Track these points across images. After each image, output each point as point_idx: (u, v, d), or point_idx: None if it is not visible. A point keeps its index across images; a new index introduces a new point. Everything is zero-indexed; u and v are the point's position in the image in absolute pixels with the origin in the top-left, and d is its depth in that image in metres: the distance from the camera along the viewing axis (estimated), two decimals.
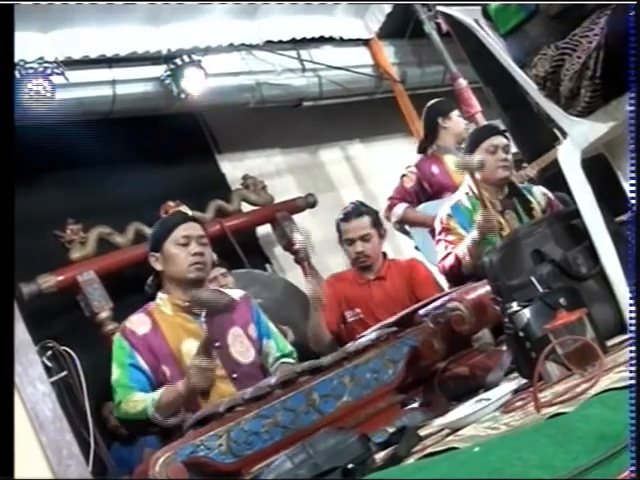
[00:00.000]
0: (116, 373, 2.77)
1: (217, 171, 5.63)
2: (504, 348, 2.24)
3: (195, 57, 4.88)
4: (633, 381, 1.25)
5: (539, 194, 3.62)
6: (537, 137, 4.13)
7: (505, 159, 3.54)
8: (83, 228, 4.70)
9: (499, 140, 3.57)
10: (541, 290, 2.08)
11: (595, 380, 1.71)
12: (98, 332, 4.33)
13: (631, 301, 1.56)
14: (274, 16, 5.35)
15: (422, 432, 2.04)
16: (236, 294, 3.03)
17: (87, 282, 4.41)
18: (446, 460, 1.55)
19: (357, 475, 1.74)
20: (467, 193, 3.59)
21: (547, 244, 2.24)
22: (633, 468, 1.19)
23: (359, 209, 3.86)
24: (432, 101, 4.66)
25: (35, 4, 4.01)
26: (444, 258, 3.51)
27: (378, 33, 6.01)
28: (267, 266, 5.52)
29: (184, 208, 3.82)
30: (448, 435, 1.89)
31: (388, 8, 5.86)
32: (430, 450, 1.75)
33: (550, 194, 3.62)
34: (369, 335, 2.43)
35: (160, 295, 2.90)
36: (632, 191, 1.37)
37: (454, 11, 2.50)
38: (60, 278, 4.39)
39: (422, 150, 4.59)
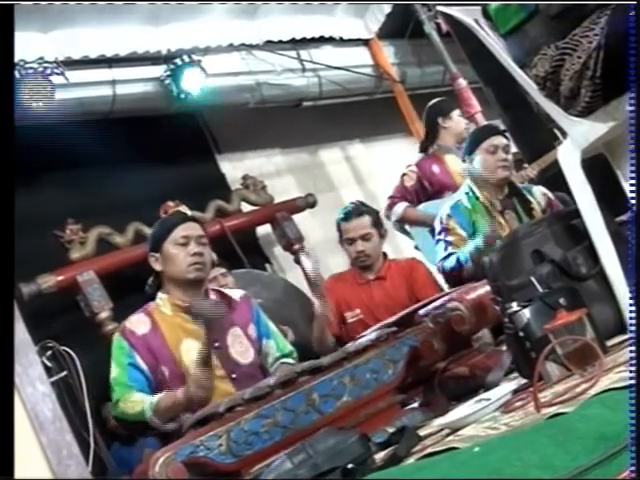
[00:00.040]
0: (115, 372, 2.77)
1: (217, 171, 5.63)
2: (504, 348, 2.24)
3: (195, 57, 4.87)
4: (633, 381, 1.25)
5: (539, 194, 3.63)
6: (537, 137, 4.13)
7: (505, 159, 3.55)
8: (83, 228, 4.69)
9: (499, 140, 3.58)
10: (541, 290, 2.08)
11: (595, 380, 1.71)
12: (98, 332, 4.33)
13: (631, 301, 1.56)
14: (274, 16, 5.34)
15: (422, 432, 2.04)
16: (236, 294, 3.04)
17: (87, 282, 4.41)
18: (446, 460, 1.55)
19: (357, 475, 1.73)
20: (467, 193, 3.59)
21: (547, 244, 2.24)
22: (633, 468, 1.19)
23: (360, 209, 3.87)
24: (433, 101, 4.67)
25: (35, 4, 4.01)
26: (444, 258, 3.51)
27: (378, 33, 6.01)
28: (267, 266, 5.51)
29: (184, 208, 3.82)
30: (448, 435, 1.89)
31: (388, 8, 5.85)
32: (430, 450, 1.75)
33: (550, 194, 3.62)
34: (369, 335, 2.43)
35: (160, 295, 2.90)
36: (632, 191, 1.37)
37: (454, 11, 2.50)
38: (60, 278, 4.38)
39: (423, 150, 4.60)
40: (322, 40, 5.72)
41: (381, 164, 6.17)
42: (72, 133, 4.61)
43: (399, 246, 5.21)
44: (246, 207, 5.45)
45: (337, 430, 1.93)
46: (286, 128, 5.90)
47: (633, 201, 1.37)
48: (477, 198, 3.55)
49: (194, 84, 4.87)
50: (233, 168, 5.67)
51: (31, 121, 4.25)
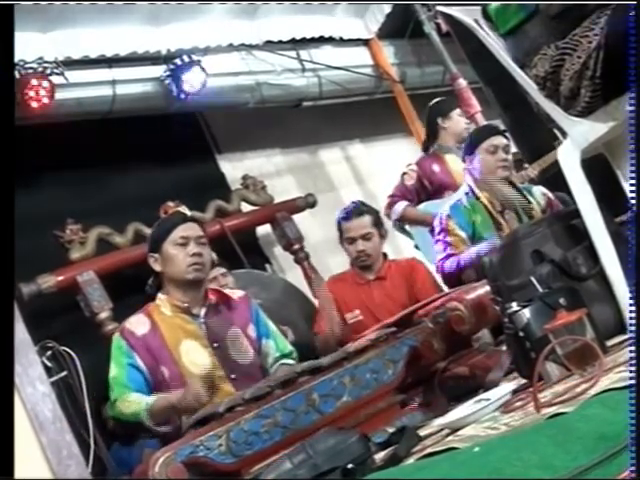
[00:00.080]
0: (114, 371, 2.77)
1: (217, 171, 5.62)
2: (504, 348, 2.24)
3: (195, 57, 4.87)
4: (633, 381, 1.25)
5: (539, 194, 3.63)
6: (537, 137, 4.12)
7: (505, 159, 3.55)
8: (83, 228, 4.69)
9: (499, 140, 3.58)
10: (541, 290, 2.08)
11: (595, 380, 1.71)
12: (98, 332, 4.32)
13: (631, 301, 1.56)
14: (274, 16, 5.34)
15: (422, 432, 2.05)
16: (235, 294, 3.04)
17: (87, 282, 4.40)
18: (446, 460, 1.55)
19: (357, 475, 1.74)
20: (467, 193, 3.59)
21: (547, 244, 2.24)
22: (633, 468, 1.19)
23: (360, 208, 3.88)
24: (433, 101, 4.67)
25: (35, 4, 4.00)
26: (444, 259, 3.51)
27: (378, 33, 6.00)
28: (267, 266, 5.51)
29: (183, 208, 3.82)
30: (448, 435, 1.89)
31: (388, 8, 5.85)
32: (430, 450, 1.76)
33: (550, 194, 3.62)
34: (369, 335, 2.43)
35: (160, 296, 2.91)
36: (632, 191, 1.37)
37: (454, 11, 2.50)
38: (60, 278, 4.38)
39: (425, 150, 4.62)
40: (322, 40, 5.71)
41: (381, 164, 6.17)
42: (72, 133, 4.61)
43: (399, 246, 5.20)
44: (246, 207, 5.44)
45: (337, 430, 1.93)
46: (286, 128, 5.90)
47: (633, 201, 1.37)
48: (477, 198, 3.55)
49: (194, 84, 4.87)
50: (233, 168, 5.66)
51: (31, 121, 4.26)
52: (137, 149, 4.99)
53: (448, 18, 4.05)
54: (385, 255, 3.96)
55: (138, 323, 2.83)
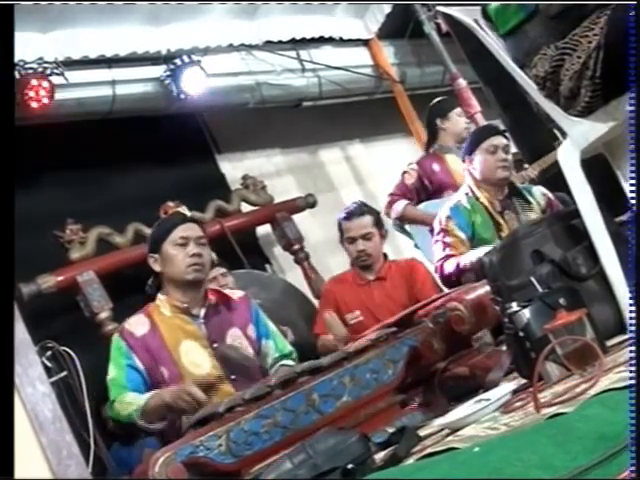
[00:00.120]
0: (112, 372, 2.77)
1: (217, 171, 5.62)
2: (504, 348, 2.24)
3: (195, 57, 4.87)
4: (633, 381, 1.25)
5: (539, 194, 3.62)
6: (537, 137, 4.13)
7: (505, 159, 3.54)
8: (83, 228, 4.69)
9: (499, 140, 3.57)
10: (541, 290, 2.08)
11: (595, 380, 1.71)
12: (98, 332, 4.33)
13: (631, 301, 1.56)
14: (274, 16, 5.34)
15: (422, 432, 2.04)
16: (235, 294, 3.04)
17: (87, 282, 4.40)
18: (446, 460, 1.55)
19: (357, 475, 1.73)
20: (467, 194, 3.59)
21: (547, 244, 2.24)
22: (633, 468, 1.19)
23: (361, 208, 3.89)
24: (433, 101, 4.68)
25: (35, 4, 4.01)
26: (444, 259, 3.50)
27: (378, 33, 6.00)
28: (267, 266, 5.51)
29: (183, 208, 3.83)
30: (448, 435, 1.89)
31: (388, 8, 5.85)
32: (430, 450, 1.75)
33: (550, 194, 3.62)
34: (369, 335, 2.43)
35: (159, 296, 2.90)
36: (632, 191, 1.37)
37: (454, 11, 2.50)
38: (60, 278, 4.38)
39: (427, 150, 4.63)
40: (322, 40, 5.71)
41: (381, 164, 6.17)
42: (72, 133, 4.62)
43: (399, 246, 5.21)
44: (246, 207, 5.45)
45: (337, 430, 1.93)
46: (286, 128, 5.90)
47: (633, 201, 1.37)
48: (477, 198, 3.55)
49: (194, 84, 4.87)
50: (233, 168, 5.66)
51: (31, 121, 4.26)
52: (137, 149, 4.99)
53: (448, 18, 4.06)
54: (385, 255, 3.96)
55: (138, 323, 2.83)
